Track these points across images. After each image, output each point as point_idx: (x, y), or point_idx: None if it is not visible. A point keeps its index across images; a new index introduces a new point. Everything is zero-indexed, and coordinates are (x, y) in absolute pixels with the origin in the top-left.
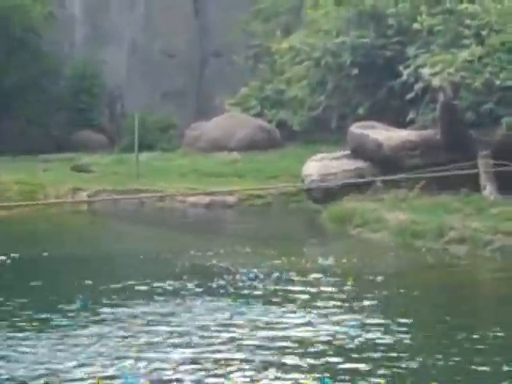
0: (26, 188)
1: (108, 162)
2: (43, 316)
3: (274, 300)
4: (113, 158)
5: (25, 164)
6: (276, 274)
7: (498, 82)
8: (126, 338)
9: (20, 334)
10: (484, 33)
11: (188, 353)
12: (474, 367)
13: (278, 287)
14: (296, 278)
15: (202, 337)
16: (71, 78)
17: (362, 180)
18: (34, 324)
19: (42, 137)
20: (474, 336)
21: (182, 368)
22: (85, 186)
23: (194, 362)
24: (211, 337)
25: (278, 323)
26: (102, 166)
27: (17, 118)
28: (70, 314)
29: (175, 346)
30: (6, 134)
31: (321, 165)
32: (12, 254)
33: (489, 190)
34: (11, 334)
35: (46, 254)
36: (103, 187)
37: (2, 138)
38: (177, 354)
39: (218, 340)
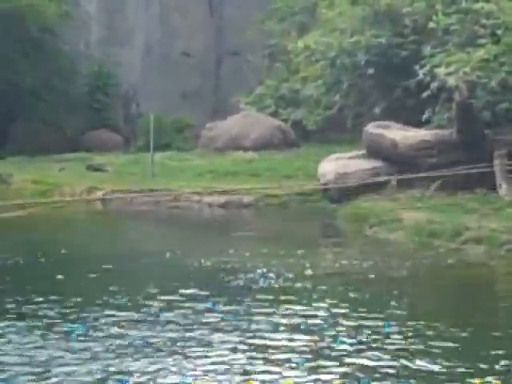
0: (42, 187)
1: (123, 162)
2: (73, 317)
3: (298, 300)
4: (128, 158)
5: (40, 164)
6: (293, 275)
7: None
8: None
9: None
10: (500, 32)
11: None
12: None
13: (299, 288)
14: (313, 279)
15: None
16: (86, 77)
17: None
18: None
19: (56, 136)
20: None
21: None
22: (100, 186)
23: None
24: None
25: (302, 324)
26: (118, 166)
27: (31, 118)
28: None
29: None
30: (21, 134)
31: (336, 164)
32: (30, 254)
33: (505, 189)
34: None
35: (64, 251)
36: (118, 187)
37: (17, 138)
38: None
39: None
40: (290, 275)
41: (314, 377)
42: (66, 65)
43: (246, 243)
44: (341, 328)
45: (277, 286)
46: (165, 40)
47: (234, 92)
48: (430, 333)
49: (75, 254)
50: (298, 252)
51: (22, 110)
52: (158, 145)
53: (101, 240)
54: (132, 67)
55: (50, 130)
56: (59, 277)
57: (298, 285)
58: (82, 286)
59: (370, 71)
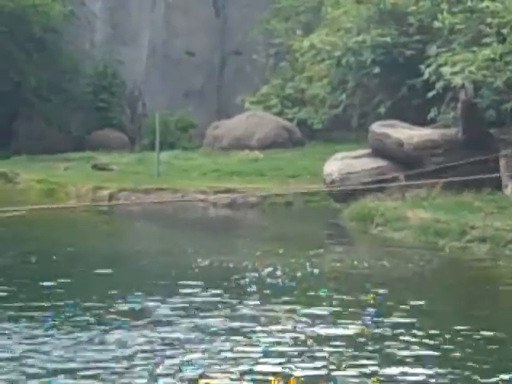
0: (47, 187)
1: (129, 161)
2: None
3: (301, 301)
4: (133, 157)
5: (44, 163)
6: (299, 274)
7: None
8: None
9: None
10: (505, 31)
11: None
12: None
13: (307, 289)
14: (319, 278)
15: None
16: (91, 76)
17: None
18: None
19: (60, 136)
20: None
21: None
22: (105, 185)
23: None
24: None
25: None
26: (123, 165)
27: (35, 118)
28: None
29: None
30: (25, 134)
31: (342, 164)
32: (36, 252)
33: (510, 188)
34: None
35: (70, 249)
36: (124, 186)
37: (21, 138)
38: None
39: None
40: (296, 274)
41: None
42: (70, 64)
43: (251, 243)
44: (354, 326)
45: (282, 285)
46: (170, 39)
47: (238, 91)
48: (440, 332)
49: (83, 253)
50: (304, 252)
51: (26, 110)
52: (162, 144)
53: (105, 240)
54: (137, 66)
55: (54, 130)
56: (68, 275)
57: (304, 285)
58: (91, 284)
59: (376, 70)
